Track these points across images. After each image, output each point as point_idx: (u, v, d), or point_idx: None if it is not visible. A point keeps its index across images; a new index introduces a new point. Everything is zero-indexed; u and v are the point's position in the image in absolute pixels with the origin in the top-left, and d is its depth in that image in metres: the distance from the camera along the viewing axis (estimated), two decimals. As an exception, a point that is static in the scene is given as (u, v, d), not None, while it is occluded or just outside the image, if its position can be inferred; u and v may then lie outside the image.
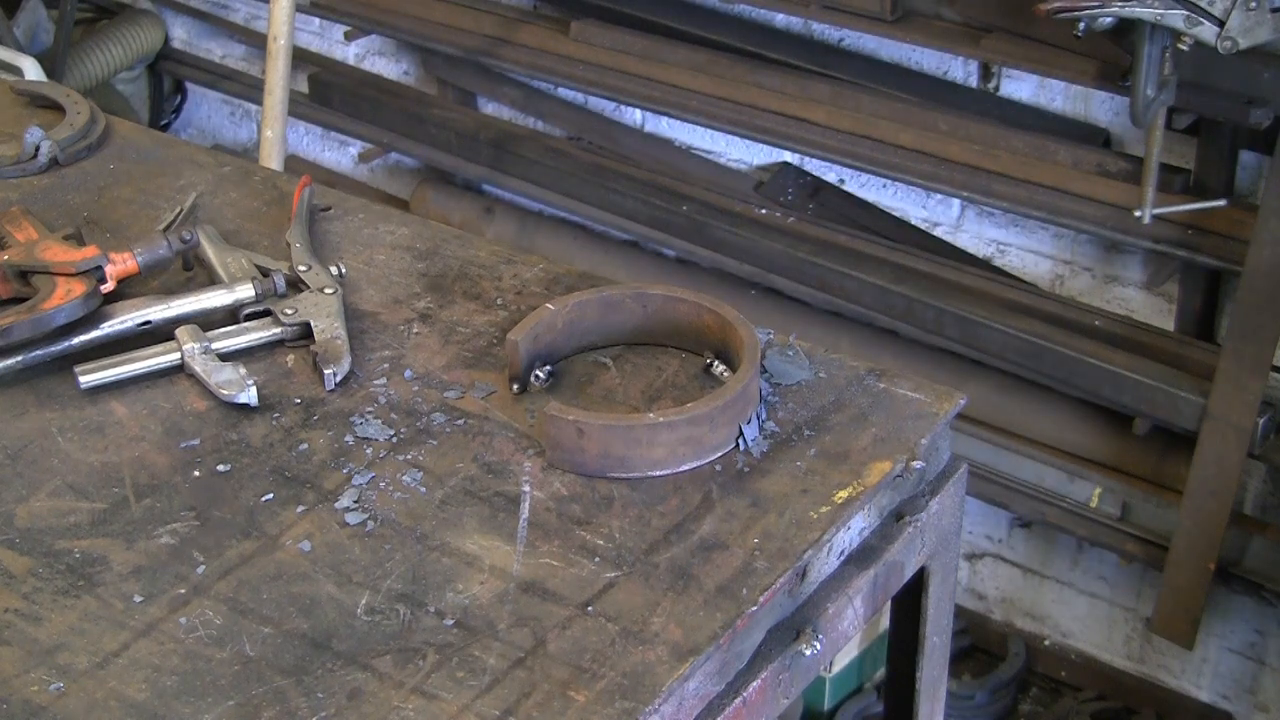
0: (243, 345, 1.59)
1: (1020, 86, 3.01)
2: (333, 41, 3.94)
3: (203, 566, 1.33)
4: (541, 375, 1.53)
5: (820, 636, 1.32)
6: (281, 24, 3.01)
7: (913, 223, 3.19)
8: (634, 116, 3.49)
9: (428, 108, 3.66)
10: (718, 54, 3.23)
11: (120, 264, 1.63)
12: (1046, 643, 3.30)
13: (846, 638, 1.40)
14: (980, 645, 3.33)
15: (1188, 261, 2.82)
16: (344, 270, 1.68)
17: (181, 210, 1.82)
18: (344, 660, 1.23)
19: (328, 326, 1.59)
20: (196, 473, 1.44)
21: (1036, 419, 2.94)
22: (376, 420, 1.49)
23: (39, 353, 1.56)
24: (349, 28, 3.79)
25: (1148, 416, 2.80)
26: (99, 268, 1.60)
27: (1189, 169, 2.83)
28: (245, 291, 1.62)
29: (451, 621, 1.27)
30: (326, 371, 1.54)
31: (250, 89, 4.00)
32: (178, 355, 1.55)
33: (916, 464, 1.42)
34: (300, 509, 1.39)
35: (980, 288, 2.94)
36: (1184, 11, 2.27)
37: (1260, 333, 2.62)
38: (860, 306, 2.98)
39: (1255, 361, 2.63)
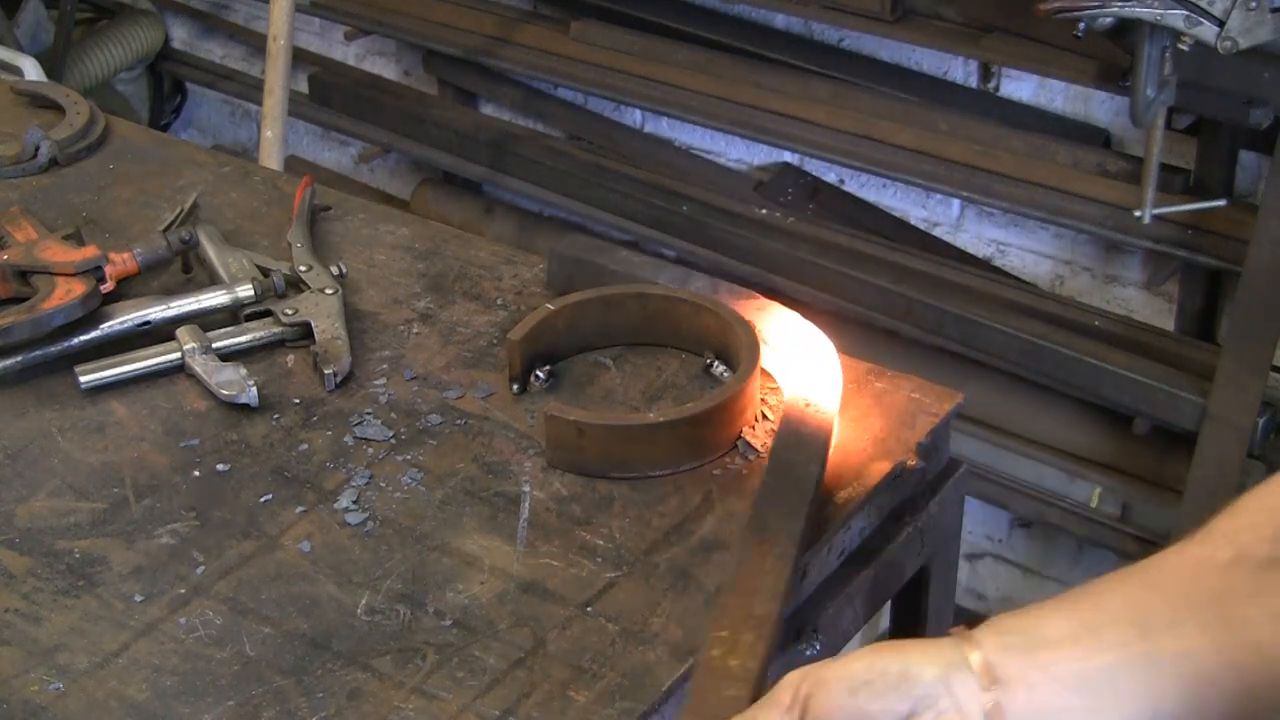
0: (243, 345, 1.59)
1: (1020, 86, 3.01)
2: (333, 41, 3.94)
3: (202, 567, 1.33)
4: (541, 375, 1.53)
5: (820, 636, 1.32)
6: (281, 24, 3.01)
7: (913, 223, 3.19)
8: (634, 116, 3.49)
9: (428, 108, 3.66)
10: (718, 54, 3.22)
11: (120, 264, 1.63)
12: (1046, 643, 3.30)
13: (846, 638, 1.40)
14: (980, 645, 3.32)
15: (1188, 261, 2.82)
16: (344, 270, 1.69)
17: (181, 210, 1.82)
18: (344, 660, 1.23)
19: (328, 327, 1.59)
20: (196, 473, 1.44)
21: (1036, 419, 2.94)
22: (376, 420, 1.49)
23: (39, 353, 1.56)
24: (349, 28, 3.79)
25: (1148, 416, 2.80)
26: (98, 268, 1.60)
27: (1189, 169, 2.83)
28: (245, 291, 1.62)
29: (451, 621, 1.27)
30: (326, 372, 1.54)
31: (250, 89, 4.00)
32: (178, 355, 1.56)
33: (916, 464, 1.42)
34: (300, 509, 1.39)
35: (980, 288, 2.94)
36: (1184, 11, 2.27)
37: (1260, 333, 2.62)
38: (860, 306, 2.98)
39: (1255, 361, 2.63)
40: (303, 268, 1.66)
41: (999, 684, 1.01)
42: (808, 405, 1.42)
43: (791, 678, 1.03)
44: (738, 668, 1.11)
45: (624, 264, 1.63)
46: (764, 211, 3.15)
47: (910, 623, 1.58)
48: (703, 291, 1.58)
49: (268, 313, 1.62)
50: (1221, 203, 2.74)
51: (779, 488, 1.32)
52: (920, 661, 1.02)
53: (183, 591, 1.31)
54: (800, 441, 1.38)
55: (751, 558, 1.24)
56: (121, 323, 1.59)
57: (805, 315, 1.56)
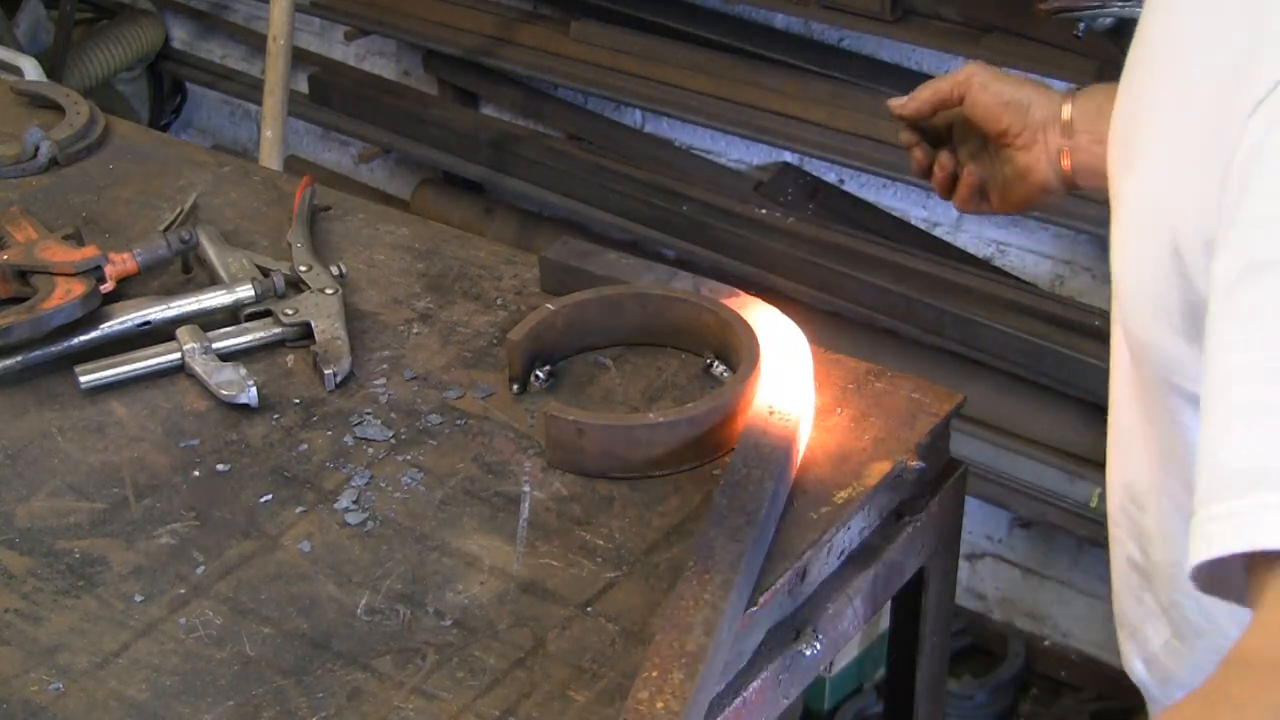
0: (243, 345, 1.59)
1: (1020, 87, 3.00)
2: (333, 41, 3.94)
3: (202, 567, 1.33)
4: (541, 375, 1.53)
5: (820, 636, 1.32)
6: (281, 24, 3.01)
7: (913, 223, 3.19)
8: (634, 116, 3.49)
9: (428, 108, 3.65)
10: (718, 54, 3.22)
11: (119, 264, 1.63)
12: (1046, 643, 3.30)
13: (846, 638, 1.40)
14: (980, 645, 3.32)
15: (1188, 261, 2.80)
16: (344, 270, 1.69)
17: (182, 210, 1.82)
18: (344, 660, 1.23)
19: (328, 327, 1.59)
20: (196, 473, 1.44)
21: (1036, 419, 2.94)
22: (376, 420, 1.49)
23: (39, 353, 1.56)
24: (349, 28, 3.79)
25: (1147, 416, 2.79)
26: (98, 268, 1.60)
27: (1189, 169, 2.82)
28: (245, 291, 1.62)
29: (451, 621, 1.27)
30: (326, 372, 1.54)
31: (250, 89, 4.00)
32: (178, 355, 1.56)
33: (916, 464, 1.42)
34: (300, 509, 1.39)
35: (980, 288, 2.94)
36: (1184, 11, 2.27)
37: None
38: (860, 306, 2.97)
39: (1255, 361, 2.62)
40: (303, 268, 1.66)
41: (1072, 137, 1.48)
42: (771, 413, 1.40)
43: (970, 67, 1.54)
44: (663, 710, 1.10)
45: (610, 267, 1.63)
46: (764, 211, 3.14)
47: (910, 623, 1.58)
48: (685, 289, 1.58)
49: (268, 313, 1.62)
50: (1221, 203, 2.73)
51: (729, 508, 1.29)
52: (1041, 104, 1.50)
53: (183, 591, 1.31)
54: (759, 455, 1.35)
55: (691, 587, 1.21)
56: (121, 323, 1.59)
57: (800, 314, 1.56)
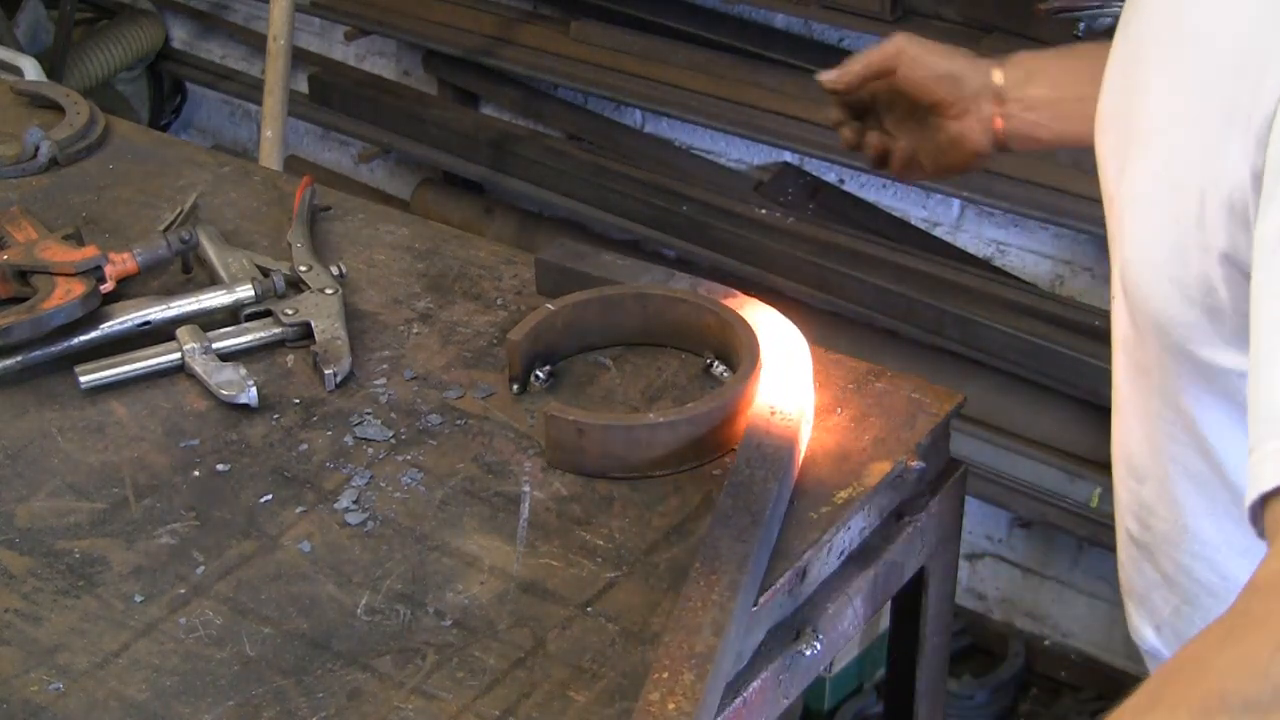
0: (243, 345, 1.59)
1: (1020, 86, 3.00)
2: (333, 41, 3.94)
3: (202, 567, 1.33)
4: (541, 375, 1.53)
5: (820, 636, 1.32)
6: (281, 24, 3.01)
7: (913, 223, 3.19)
8: (634, 116, 3.49)
9: (428, 108, 3.65)
10: (718, 54, 3.22)
11: (119, 264, 1.63)
12: (1046, 643, 3.30)
13: (846, 638, 1.40)
14: (980, 645, 3.32)
15: (1187, 261, 2.80)
16: (344, 270, 1.69)
17: (181, 210, 1.82)
18: (344, 660, 1.23)
19: (328, 327, 1.59)
20: (196, 473, 1.44)
21: (1036, 419, 2.94)
22: (376, 420, 1.49)
23: (39, 353, 1.56)
24: (349, 28, 3.79)
25: (1147, 416, 2.79)
26: (98, 268, 1.60)
27: (1189, 169, 2.82)
28: (245, 291, 1.62)
29: (451, 621, 1.27)
30: (327, 372, 1.54)
31: (250, 89, 4.00)
32: (178, 355, 1.56)
33: (916, 464, 1.42)
34: (300, 509, 1.39)
35: (980, 288, 2.94)
36: (1184, 11, 2.27)
37: (1260, 333, 2.61)
38: (860, 306, 2.97)
39: (1255, 361, 2.62)
40: (303, 268, 1.66)
41: (1004, 104, 1.52)
42: (773, 414, 1.40)
43: (899, 39, 1.55)
44: (675, 711, 1.11)
45: (606, 269, 1.63)
46: (764, 211, 3.15)
47: (910, 623, 1.58)
48: (683, 289, 1.58)
49: (268, 313, 1.62)
50: (1221, 203, 2.73)
51: (734, 509, 1.29)
52: (973, 74, 1.52)
53: (183, 591, 1.31)
54: (762, 456, 1.35)
55: (698, 588, 1.21)
56: (121, 323, 1.59)
57: (800, 314, 1.56)
